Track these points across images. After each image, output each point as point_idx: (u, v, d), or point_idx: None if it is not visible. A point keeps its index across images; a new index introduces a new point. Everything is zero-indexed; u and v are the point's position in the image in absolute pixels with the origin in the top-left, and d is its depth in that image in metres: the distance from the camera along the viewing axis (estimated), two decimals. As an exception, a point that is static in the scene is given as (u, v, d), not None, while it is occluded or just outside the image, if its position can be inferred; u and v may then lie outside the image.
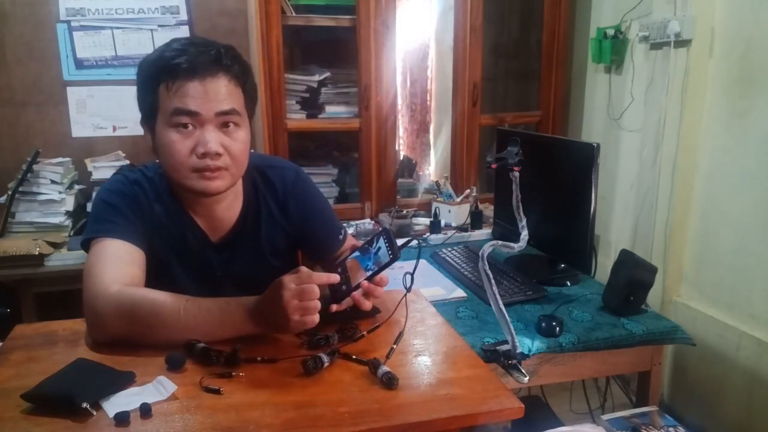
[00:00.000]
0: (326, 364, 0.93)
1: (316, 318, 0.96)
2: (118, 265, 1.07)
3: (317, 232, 1.36)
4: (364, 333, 1.02)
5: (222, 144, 1.10)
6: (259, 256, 1.29)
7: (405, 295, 1.04)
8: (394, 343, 0.98)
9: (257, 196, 1.27)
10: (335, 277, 1.02)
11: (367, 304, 1.06)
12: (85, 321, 1.03)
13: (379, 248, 1.06)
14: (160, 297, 1.02)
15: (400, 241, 1.08)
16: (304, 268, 0.98)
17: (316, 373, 0.92)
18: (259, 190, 1.28)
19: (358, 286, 1.05)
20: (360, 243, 1.20)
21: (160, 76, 1.08)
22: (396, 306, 1.06)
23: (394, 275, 1.08)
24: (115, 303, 1.00)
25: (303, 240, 1.36)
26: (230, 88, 1.11)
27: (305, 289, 0.95)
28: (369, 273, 1.05)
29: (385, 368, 0.90)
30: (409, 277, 1.02)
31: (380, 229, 1.08)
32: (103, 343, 1.01)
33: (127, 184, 1.20)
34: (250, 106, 1.17)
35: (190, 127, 1.09)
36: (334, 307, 1.05)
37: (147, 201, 1.20)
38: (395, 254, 1.03)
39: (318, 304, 0.96)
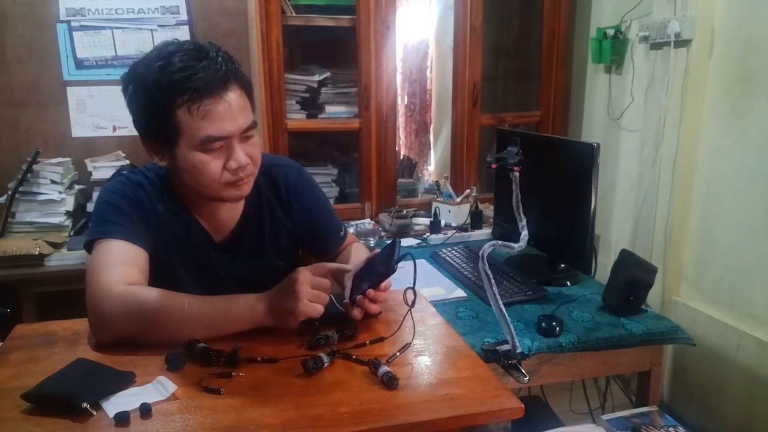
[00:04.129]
0: (326, 364, 0.93)
1: (321, 308, 1.02)
2: (121, 266, 1.07)
3: (320, 231, 1.37)
4: (366, 342, 1.03)
5: (246, 153, 1.11)
6: (262, 256, 1.29)
7: (409, 310, 1.05)
8: (398, 352, 0.98)
9: (259, 195, 1.28)
10: (348, 267, 1.15)
11: (374, 308, 1.10)
12: (89, 322, 1.03)
13: (386, 257, 1.11)
14: (164, 294, 1.03)
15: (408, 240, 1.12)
16: (319, 263, 1.07)
17: (316, 373, 0.92)
18: (261, 189, 1.28)
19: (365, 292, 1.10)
20: (359, 240, 1.23)
21: (175, 100, 1.05)
22: (401, 322, 1.07)
23: (397, 275, 1.09)
24: (120, 303, 1.00)
25: (306, 238, 1.36)
26: (243, 98, 1.11)
27: (319, 280, 1.03)
28: (371, 281, 1.09)
29: (385, 368, 0.90)
30: (410, 292, 1.03)
31: (394, 239, 1.14)
32: (103, 343, 1.01)
33: (130, 186, 1.19)
34: (253, 103, 1.17)
35: (220, 147, 1.09)
36: (355, 311, 1.10)
37: (150, 202, 1.19)
38: (390, 268, 1.06)
39: (326, 297, 1.03)
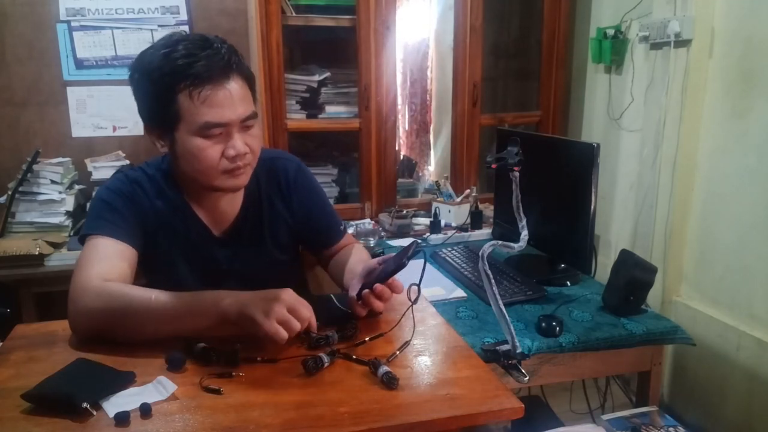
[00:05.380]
0: (326, 364, 0.93)
1: (285, 336, 0.94)
2: (105, 262, 1.08)
3: (321, 224, 1.38)
4: (366, 339, 1.03)
5: (245, 143, 1.13)
6: (262, 249, 1.30)
7: (410, 306, 1.05)
8: (398, 350, 0.98)
9: (259, 188, 1.28)
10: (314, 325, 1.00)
11: (378, 305, 1.08)
12: (68, 315, 1.04)
13: (400, 257, 1.10)
14: (133, 290, 1.03)
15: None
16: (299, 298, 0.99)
17: (316, 373, 0.92)
18: (261, 181, 1.29)
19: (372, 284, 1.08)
20: (359, 242, 1.22)
21: (177, 85, 1.07)
22: (401, 317, 1.07)
23: (397, 275, 1.09)
24: (93, 298, 1.01)
25: (306, 232, 1.37)
26: (244, 88, 1.12)
27: (300, 307, 0.97)
28: (381, 278, 1.08)
29: (385, 368, 0.90)
30: (414, 288, 1.03)
31: (412, 240, 1.12)
32: (81, 337, 1.01)
33: (127, 183, 1.21)
34: (255, 95, 1.18)
35: (219, 134, 1.10)
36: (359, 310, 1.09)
37: (147, 199, 1.20)
38: (400, 264, 1.05)
39: (297, 326, 0.95)
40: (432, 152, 3.80)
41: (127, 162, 2.24)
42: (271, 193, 1.30)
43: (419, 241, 1.13)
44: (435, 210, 2.34)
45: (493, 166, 1.39)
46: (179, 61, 1.06)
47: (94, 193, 2.14)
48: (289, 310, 0.95)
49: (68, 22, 2.25)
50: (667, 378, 2.16)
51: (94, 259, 1.09)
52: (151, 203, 1.21)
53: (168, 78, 1.07)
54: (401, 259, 1.07)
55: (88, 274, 1.05)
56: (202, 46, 1.08)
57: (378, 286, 1.07)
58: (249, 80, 1.15)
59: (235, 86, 1.10)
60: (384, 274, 1.09)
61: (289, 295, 0.97)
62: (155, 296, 1.01)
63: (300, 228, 1.34)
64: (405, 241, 2.20)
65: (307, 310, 0.97)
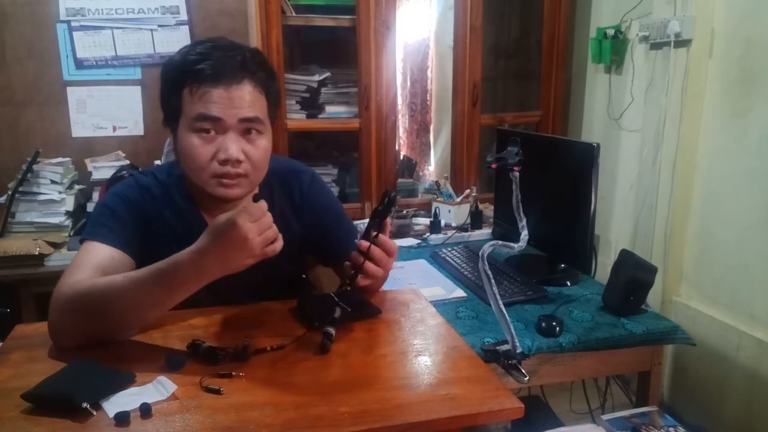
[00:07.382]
0: (334, 334, 0.97)
1: (280, 242, 0.96)
2: (91, 270, 1.05)
3: (335, 234, 1.34)
4: (347, 281, 1.05)
5: (243, 151, 1.10)
6: (271, 262, 1.28)
7: (376, 234, 1.05)
8: (337, 315, 1.00)
9: (272, 201, 1.26)
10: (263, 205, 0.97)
11: (370, 267, 1.06)
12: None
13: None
14: (101, 280, 1.00)
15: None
16: (251, 204, 0.95)
17: (330, 346, 0.96)
18: (275, 194, 1.26)
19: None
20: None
21: (183, 80, 1.07)
22: (362, 263, 1.07)
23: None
24: (63, 303, 0.98)
25: (320, 242, 1.33)
26: (255, 95, 1.10)
27: (262, 222, 0.94)
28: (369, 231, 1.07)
29: (330, 330, 0.96)
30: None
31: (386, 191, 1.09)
32: (64, 348, 0.99)
33: (136, 189, 1.19)
34: (273, 113, 1.17)
35: (212, 133, 1.08)
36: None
37: (154, 207, 1.19)
38: (375, 211, 1.05)
39: (275, 232, 0.96)
40: (432, 152, 3.81)
41: (127, 162, 2.24)
42: (283, 206, 1.27)
43: (392, 192, 1.09)
44: (435, 210, 2.34)
45: (493, 166, 1.39)
46: (190, 58, 1.08)
47: (95, 195, 2.14)
48: (260, 232, 0.94)
49: (68, 22, 2.25)
50: (667, 378, 2.16)
51: (79, 267, 1.06)
52: (157, 211, 1.18)
53: (177, 73, 1.08)
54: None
55: (64, 282, 1.02)
56: (221, 48, 1.09)
57: (363, 242, 1.04)
58: (266, 90, 1.13)
59: (241, 90, 1.08)
60: (366, 232, 1.06)
61: (249, 230, 0.92)
62: (124, 278, 0.97)
63: (311, 238, 1.31)
64: (404, 241, 2.20)
65: (266, 221, 0.95)
